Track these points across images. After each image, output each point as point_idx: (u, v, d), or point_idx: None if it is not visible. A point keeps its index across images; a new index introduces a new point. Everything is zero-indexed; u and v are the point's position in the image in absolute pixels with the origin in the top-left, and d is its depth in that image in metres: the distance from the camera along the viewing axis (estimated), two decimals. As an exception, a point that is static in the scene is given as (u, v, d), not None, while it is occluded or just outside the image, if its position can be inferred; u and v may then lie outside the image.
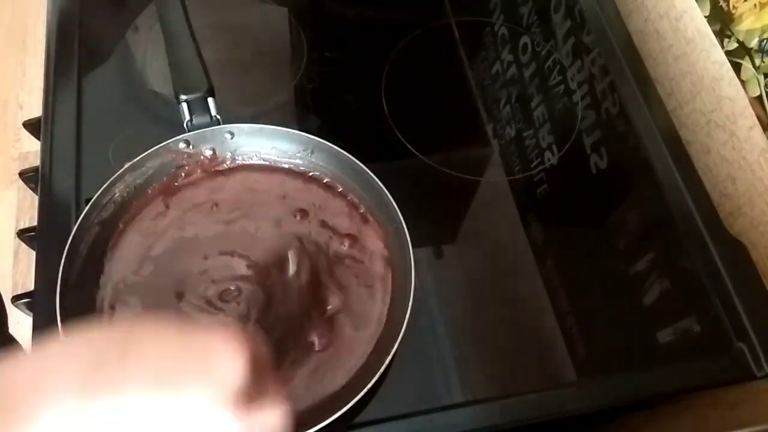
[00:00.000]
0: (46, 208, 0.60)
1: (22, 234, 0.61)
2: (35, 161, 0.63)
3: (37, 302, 0.55)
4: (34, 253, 0.58)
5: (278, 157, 0.62)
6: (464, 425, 0.53)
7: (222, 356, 0.29)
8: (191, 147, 0.59)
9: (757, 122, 0.64)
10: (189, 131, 0.58)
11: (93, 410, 0.26)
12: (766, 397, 0.56)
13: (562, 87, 0.76)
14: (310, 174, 0.62)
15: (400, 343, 0.50)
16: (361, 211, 0.60)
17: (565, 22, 0.81)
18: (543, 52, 0.79)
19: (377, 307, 0.55)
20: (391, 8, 0.83)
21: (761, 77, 0.64)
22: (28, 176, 0.64)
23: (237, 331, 0.30)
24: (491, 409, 0.54)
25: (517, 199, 0.68)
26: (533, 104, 0.76)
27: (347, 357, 0.53)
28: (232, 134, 0.60)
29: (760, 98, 0.64)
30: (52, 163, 0.62)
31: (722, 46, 0.68)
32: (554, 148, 0.71)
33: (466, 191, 0.68)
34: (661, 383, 0.57)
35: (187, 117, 0.58)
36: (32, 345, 0.53)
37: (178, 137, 0.58)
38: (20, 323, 0.68)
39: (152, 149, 0.57)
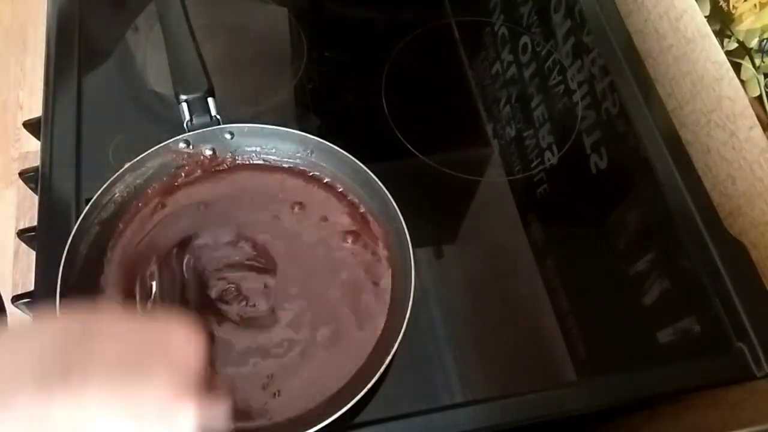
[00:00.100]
0: (46, 208, 0.60)
1: (22, 234, 0.61)
2: (35, 161, 0.63)
3: (37, 302, 0.55)
4: (34, 253, 0.58)
5: (278, 157, 0.62)
6: (464, 425, 0.53)
7: (182, 342, 0.29)
8: (191, 147, 0.59)
9: (757, 122, 0.64)
10: (189, 131, 0.58)
11: (57, 401, 0.26)
12: (766, 397, 0.56)
13: (562, 87, 0.76)
14: (310, 174, 0.62)
15: (400, 343, 0.50)
16: (361, 211, 0.60)
17: (565, 22, 0.81)
18: (543, 52, 0.79)
19: (377, 308, 0.55)
20: (391, 8, 0.83)
21: (761, 77, 0.64)
22: (28, 176, 0.64)
23: (192, 319, 0.30)
24: (491, 409, 0.54)
25: (517, 199, 0.68)
26: (533, 104, 0.76)
27: (347, 357, 0.53)
28: (232, 134, 0.60)
29: (760, 98, 0.64)
30: (52, 163, 0.62)
31: (722, 46, 0.68)
32: (554, 148, 0.71)
33: (466, 191, 0.68)
34: (661, 383, 0.57)
35: (187, 117, 0.58)
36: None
37: (178, 137, 0.58)
38: (20, 323, 0.68)
39: (152, 149, 0.57)
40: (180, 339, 0.29)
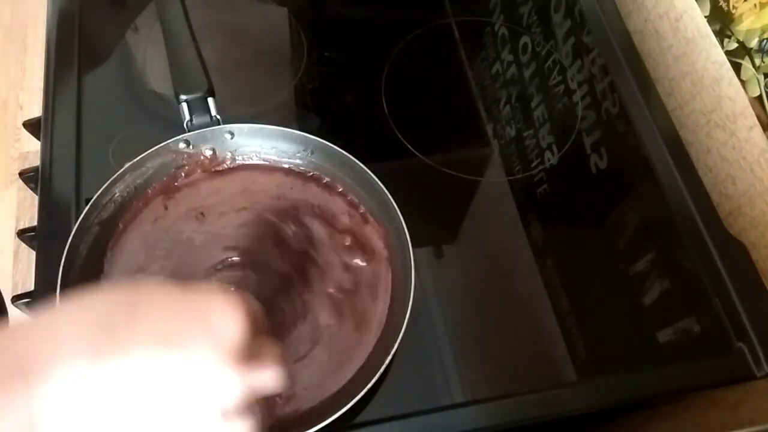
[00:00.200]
0: (46, 208, 0.60)
1: (22, 234, 0.61)
2: (35, 161, 0.63)
3: (37, 302, 0.55)
4: (34, 253, 0.58)
5: (278, 157, 0.62)
6: (464, 425, 0.53)
7: (221, 315, 0.31)
8: (191, 147, 0.59)
9: (757, 122, 0.64)
10: (189, 131, 0.58)
11: (105, 368, 0.28)
12: (766, 397, 0.56)
13: (562, 87, 0.76)
14: (310, 174, 0.62)
15: (400, 343, 0.50)
16: (361, 211, 0.60)
17: (565, 22, 0.81)
18: (543, 52, 0.79)
19: (377, 307, 0.55)
20: (391, 8, 0.83)
21: (761, 77, 0.64)
22: (28, 176, 0.64)
23: (234, 293, 0.32)
24: (491, 409, 0.54)
25: (517, 199, 0.68)
26: (533, 104, 0.76)
27: (347, 357, 0.53)
28: (232, 134, 0.60)
29: (760, 98, 0.64)
30: (52, 163, 0.62)
31: (722, 46, 0.68)
32: (554, 148, 0.71)
33: (466, 191, 0.68)
34: (661, 383, 0.57)
35: (187, 117, 0.57)
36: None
37: (178, 137, 0.58)
38: (20, 323, 0.68)
39: (152, 149, 0.57)
40: (219, 312, 0.31)
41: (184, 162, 0.60)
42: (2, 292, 0.63)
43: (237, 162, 0.62)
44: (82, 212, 0.54)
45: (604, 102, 0.74)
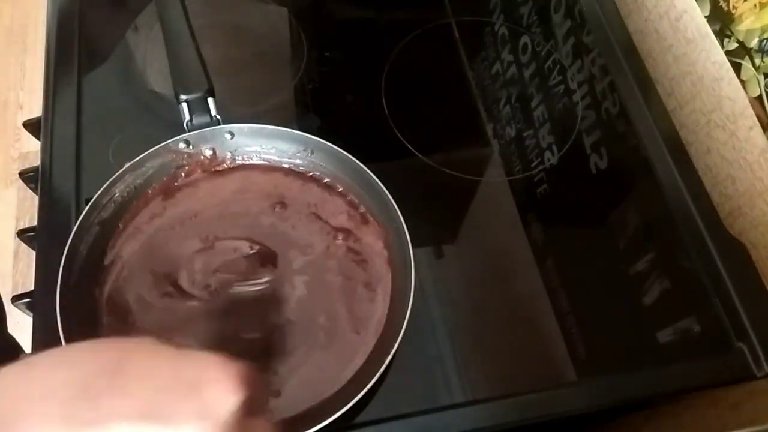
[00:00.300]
0: (46, 208, 0.60)
1: (22, 234, 0.61)
2: (35, 161, 0.63)
3: (37, 302, 0.55)
4: (34, 253, 0.58)
5: (278, 157, 0.62)
6: (464, 425, 0.53)
7: (216, 388, 0.27)
8: (191, 147, 0.59)
9: (757, 122, 0.64)
10: (189, 131, 0.58)
11: None
12: (766, 397, 0.56)
13: (562, 87, 0.76)
14: (310, 174, 0.62)
15: (400, 343, 0.50)
16: (361, 211, 0.60)
17: (565, 22, 0.81)
18: (543, 52, 0.79)
19: (377, 307, 0.55)
20: (391, 8, 0.83)
21: (761, 77, 0.64)
22: (28, 176, 0.64)
23: (232, 360, 0.29)
24: (491, 409, 0.54)
25: (517, 199, 0.68)
26: (533, 104, 0.76)
27: (347, 357, 0.53)
28: (232, 134, 0.60)
29: (760, 98, 0.64)
30: (52, 163, 0.62)
31: (722, 46, 0.68)
32: (554, 148, 0.71)
33: (466, 191, 0.68)
34: (661, 383, 0.57)
35: (187, 117, 0.58)
36: (31, 349, 0.53)
37: (178, 137, 0.58)
38: (20, 323, 0.68)
39: (152, 149, 0.57)
40: (213, 380, 0.28)
41: (184, 162, 0.60)
42: (2, 292, 0.63)
43: (237, 162, 0.62)
44: (82, 212, 0.54)
45: (604, 102, 0.74)
